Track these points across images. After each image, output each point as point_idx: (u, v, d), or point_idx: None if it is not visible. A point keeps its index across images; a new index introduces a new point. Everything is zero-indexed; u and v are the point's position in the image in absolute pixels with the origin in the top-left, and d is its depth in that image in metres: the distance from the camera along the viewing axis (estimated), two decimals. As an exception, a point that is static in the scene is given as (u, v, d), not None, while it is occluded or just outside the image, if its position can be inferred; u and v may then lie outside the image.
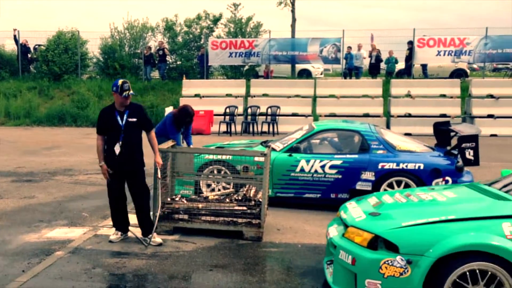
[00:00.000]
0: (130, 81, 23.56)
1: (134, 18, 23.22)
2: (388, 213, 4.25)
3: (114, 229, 5.83)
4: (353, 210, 4.52)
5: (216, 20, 23.12)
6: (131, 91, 5.53)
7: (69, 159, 11.38)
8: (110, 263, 5.07)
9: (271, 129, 16.80)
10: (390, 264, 3.73)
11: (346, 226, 4.30)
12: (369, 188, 6.99)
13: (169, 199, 6.28)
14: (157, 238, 5.68)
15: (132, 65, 22.71)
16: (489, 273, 3.61)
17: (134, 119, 5.54)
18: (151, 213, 5.91)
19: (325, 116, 17.00)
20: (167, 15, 23.94)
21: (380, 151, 7.19)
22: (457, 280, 3.63)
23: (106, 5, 61.13)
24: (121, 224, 5.79)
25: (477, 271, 3.62)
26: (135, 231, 5.82)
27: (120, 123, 5.49)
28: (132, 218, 5.87)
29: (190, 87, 19.22)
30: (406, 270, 3.69)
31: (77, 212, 6.96)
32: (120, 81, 5.52)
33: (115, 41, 22.67)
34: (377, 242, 3.87)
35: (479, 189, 4.53)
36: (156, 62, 21.56)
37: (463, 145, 6.86)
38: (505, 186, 4.51)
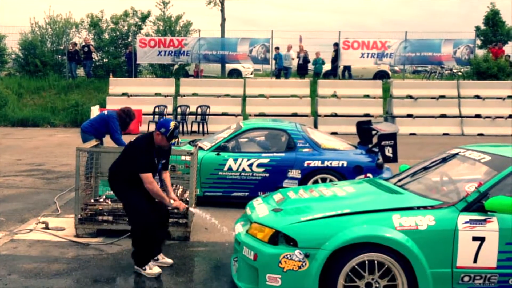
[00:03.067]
0: (53, 78, 22.49)
1: (56, 13, 22.19)
2: (289, 208, 4.31)
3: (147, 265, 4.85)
4: (258, 207, 4.57)
5: (144, 18, 22.66)
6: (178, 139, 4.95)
7: (-16, 161, 10.68)
8: (28, 268, 4.82)
9: (201, 129, 16.74)
10: (289, 258, 3.80)
11: (251, 222, 4.33)
12: (296, 186, 7.15)
13: (92, 200, 6.08)
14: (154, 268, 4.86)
15: (55, 62, 21.75)
16: (386, 266, 3.77)
17: (164, 161, 5.02)
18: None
19: (255, 115, 17.20)
20: (92, 11, 23.21)
21: (306, 150, 7.38)
22: (356, 267, 3.75)
23: (26, -2, 57.95)
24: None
25: (376, 262, 3.75)
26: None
27: (156, 164, 4.91)
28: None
29: (117, 85, 18.71)
30: (304, 264, 3.77)
31: (-8, 217, 6.56)
32: (172, 124, 4.72)
33: (36, 37, 21.59)
34: (277, 237, 3.93)
35: (377, 184, 4.76)
36: (82, 59, 20.77)
37: (383, 143, 7.20)
38: (399, 180, 4.78)
